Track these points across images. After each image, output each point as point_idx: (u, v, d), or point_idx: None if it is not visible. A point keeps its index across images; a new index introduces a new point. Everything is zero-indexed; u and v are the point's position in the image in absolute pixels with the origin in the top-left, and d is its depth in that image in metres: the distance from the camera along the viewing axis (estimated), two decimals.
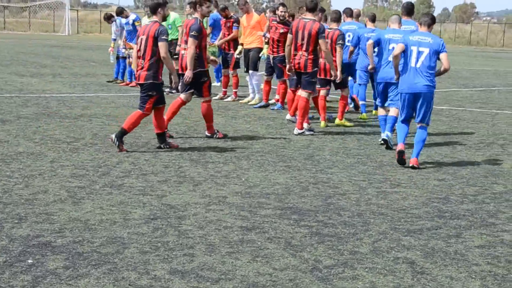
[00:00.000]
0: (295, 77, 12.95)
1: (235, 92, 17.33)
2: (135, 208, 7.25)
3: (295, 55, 12.50)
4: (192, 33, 11.30)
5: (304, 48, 12.37)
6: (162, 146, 10.77)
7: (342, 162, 10.22)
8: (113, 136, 10.40)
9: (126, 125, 10.46)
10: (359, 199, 8.05)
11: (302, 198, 8.00)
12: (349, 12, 15.43)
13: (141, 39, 10.54)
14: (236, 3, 17.34)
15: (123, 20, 20.03)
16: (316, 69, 12.50)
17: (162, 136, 10.83)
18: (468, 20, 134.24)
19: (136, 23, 19.63)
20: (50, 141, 10.96)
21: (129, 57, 19.94)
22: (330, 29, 13.59)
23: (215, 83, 20.44)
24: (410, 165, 9.92)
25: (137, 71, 10.64)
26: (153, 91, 10.56)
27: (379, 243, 6.39)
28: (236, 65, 17.12)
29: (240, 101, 16.95)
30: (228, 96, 17.42)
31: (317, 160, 10.26)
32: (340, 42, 13.29)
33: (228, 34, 17.01)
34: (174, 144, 10.93)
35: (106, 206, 7.29)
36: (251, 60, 16.41)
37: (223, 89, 17.56)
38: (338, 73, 13.17)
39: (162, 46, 10.31)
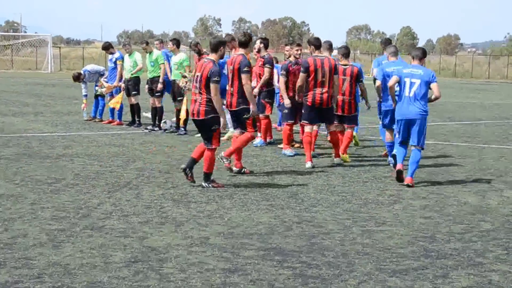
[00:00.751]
0: (287, 111, 14.31)
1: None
2: (116, 251, 7.18)
3: (314, 91, 13.17)
4: (245, 69, 11.73)
5: (326, 85, 13.15)
6: (205, 184, 10.95)
7: (327, 200, 10.20)
8: (205, 184, 10.87)
9: (206, 168, 10.87)
10: (343, 238, 8.02)
11: (285, 238, 7.95)
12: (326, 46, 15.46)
13: (197, 76, 10.86)
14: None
15: (109, 56, 20.09)
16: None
17: (208, 175, 11.02)
18: (452, 52, 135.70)
19: (118, 62, 19.66)
20: (30, 182, 10.90)
21: (109, 95, 19.91)
22: (345, 65, 13.90)
23: None
24: (405, 183, 11.36)
25: (194, 107, 10.87)
26: (215, 124, 10.79)
27: (364, 285, 6.35)
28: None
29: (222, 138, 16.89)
30: None
31: (301, 198, 10.24)
32: (362, 79, 14.28)
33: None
34: (219, 184, 11.09)
35: (86, 249, 7.22)
36: None
37: None
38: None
39: (213, 88, 10.59)
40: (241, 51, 12.25)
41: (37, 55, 71.55)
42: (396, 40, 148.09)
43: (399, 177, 11.49)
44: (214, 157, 11.00)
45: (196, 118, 10.85)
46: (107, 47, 20.12)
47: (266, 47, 15.69)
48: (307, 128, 13.35)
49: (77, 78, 20.59)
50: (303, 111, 13.50)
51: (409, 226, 8.71)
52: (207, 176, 10.96)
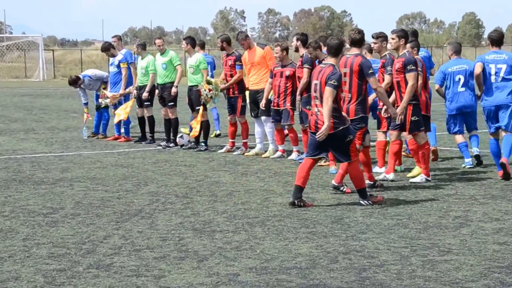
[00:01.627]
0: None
1: (245, 142, 17.38)
2: None
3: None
4: (331, 82, 11.23)
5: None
6: (365, 202, 11.38)
7: (378, 224, 10.17)
8: (364, 201, 11.37)
9: (357, 185, 11.46)
10: (400, 271, 7.99)
11: (330, 272, 7.94)
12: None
13: (315, 84, 11.37)
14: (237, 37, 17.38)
15: (110, 60, 20.17)
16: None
17: (362, 192, 11.46)
18: None
19: (121, 65, 19.73)
20: (22, 213, 10.99)
21: (113, 107, 19.96)
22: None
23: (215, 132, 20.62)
24: (500, 162, 13.28)
25: (312, 120, 11.43)
26: (349, 135, 11.38)
27: None
28: (244, 110, 17.24)
29: (246, 154, 17.00)
30: (237, 148, 17.46)
31: (347, 224, 10.22)
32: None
33: (231, 75, 17.14)
34: (378, 198, 11.56)
35: None
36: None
37: (230, 140, 17.62)
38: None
39: (327, 91, 11.10)
40: (355, 50, 12.44)
41: (26, 60, 72.12)
42: (457, 29, 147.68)
43: (506, 172, 13.24)
44: (359, 168, 11.65)
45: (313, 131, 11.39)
46: (107, 48, 20.23)
47: (304, 44, 15.66)
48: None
49: (74, 82, 20.64)
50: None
51: (480, 254, 8.66)
52: (362, 192, 11.42)
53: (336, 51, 11.35)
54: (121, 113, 19.38)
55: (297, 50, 15.93)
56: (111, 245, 9.09)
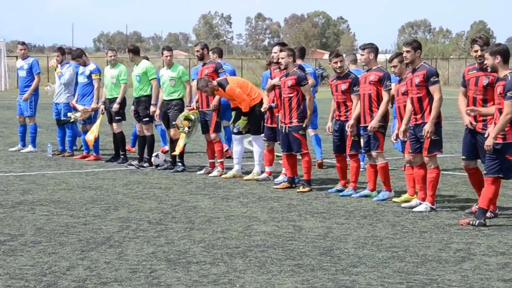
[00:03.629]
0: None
1: (221, 162, 17.41)
2: None
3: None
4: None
5: None
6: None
7: (371, 257, 10.22)
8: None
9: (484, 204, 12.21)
10: None
11: None
12: None
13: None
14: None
15: (80, 69, 20.13)
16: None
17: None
18: None
19: (93, 76, 19.78)
20: None
21: (83, 122, 19.94)
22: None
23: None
24: None
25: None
26: None
27: None
28: (218, 127, 17.31)
29: (223, 176, 17.04)
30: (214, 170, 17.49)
31: (337, 256, 10.26)
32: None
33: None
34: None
35: None
36: (253, 123, 16.66)
37: (210, 160, 17.66)
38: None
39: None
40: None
41: None
42: (465, 39, 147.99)
43: None
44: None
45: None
46: (79, 55, 20.22)
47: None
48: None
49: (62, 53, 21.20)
50: None
51: None
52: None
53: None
54: (92, 136, 19.42)
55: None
56: (75, 277, 9.09)
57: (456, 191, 15.42)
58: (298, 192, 15.16)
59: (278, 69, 15.80)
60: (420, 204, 13.38)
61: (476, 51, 12.64)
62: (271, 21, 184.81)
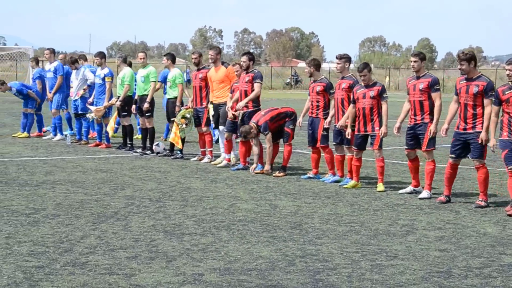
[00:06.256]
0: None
1: (210, 151, 17.35)
2: None
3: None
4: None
5: None
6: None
7: (333, 231, 10.23)
8: None
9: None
10: (351, 274, 8.04)
11: (287, 274, 7.98)
12: None
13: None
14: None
15: (97, 71, 20.04)
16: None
17: None
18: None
19: (106, 79, 19.72)
20: (6, 213, 10.93)
21: (97, 119, 19.89)
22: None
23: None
24: None
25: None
26: None
27: None
28: (209, 121, 17.27)
29: (213, 163, 17.00)
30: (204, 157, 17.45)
31: (305, 230, 10.26)
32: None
33: (200, 87, 17.26)
34: None
35: None
36: (222, 116, 16.67)
37: (201, 149, 17.62)
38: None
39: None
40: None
41: (17, 69, 71.66)
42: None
43: None
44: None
45: None
46: (76, 60, 20.61)
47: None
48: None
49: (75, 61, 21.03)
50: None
51: (423, 260, 8.73)
52: None
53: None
54: (110, 123, 19.87)
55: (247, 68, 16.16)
56: (87, 245, 9.07)
57: (403, 177, 15.41)
58: (274, 176, 15.15)
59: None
60: (420, 191, 13.30)
61: (463, 65, 12.39)
62: (255, 34, 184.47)
